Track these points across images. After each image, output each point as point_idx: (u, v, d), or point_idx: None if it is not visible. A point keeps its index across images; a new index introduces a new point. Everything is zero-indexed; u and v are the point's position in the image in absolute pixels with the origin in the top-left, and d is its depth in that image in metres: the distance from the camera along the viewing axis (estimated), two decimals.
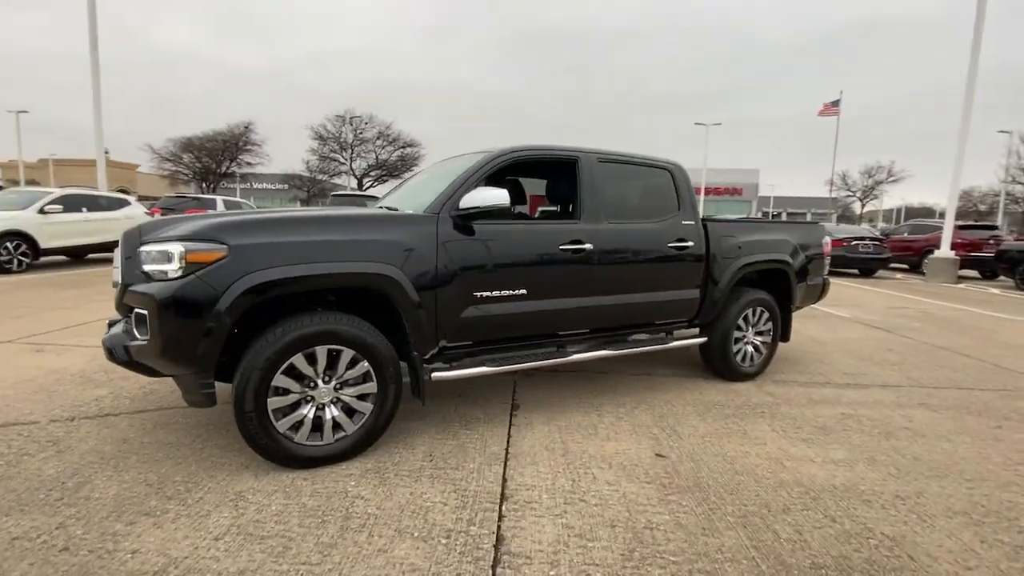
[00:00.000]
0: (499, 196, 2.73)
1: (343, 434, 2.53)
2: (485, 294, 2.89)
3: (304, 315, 2.39)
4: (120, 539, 1.92)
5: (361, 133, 36.83)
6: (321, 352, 2.41)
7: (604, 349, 3.46)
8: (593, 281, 3.31)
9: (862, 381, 4.30)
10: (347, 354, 2.47)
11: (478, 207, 2.75)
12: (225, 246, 2.23)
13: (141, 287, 2.28)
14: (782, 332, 4.40)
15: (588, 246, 3.21)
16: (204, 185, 33.33)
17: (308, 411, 2.44)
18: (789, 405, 3.66)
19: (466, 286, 2.82)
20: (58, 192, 10.33)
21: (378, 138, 37.40)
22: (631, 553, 1.97)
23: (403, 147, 38.26)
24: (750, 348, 4.23)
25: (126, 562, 1.80)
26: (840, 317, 7.47)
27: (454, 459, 2.66)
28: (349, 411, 2.55)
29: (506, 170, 3.20)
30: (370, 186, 38.02)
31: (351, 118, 35.65)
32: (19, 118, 36.24)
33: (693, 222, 3.74)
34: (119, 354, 2.35)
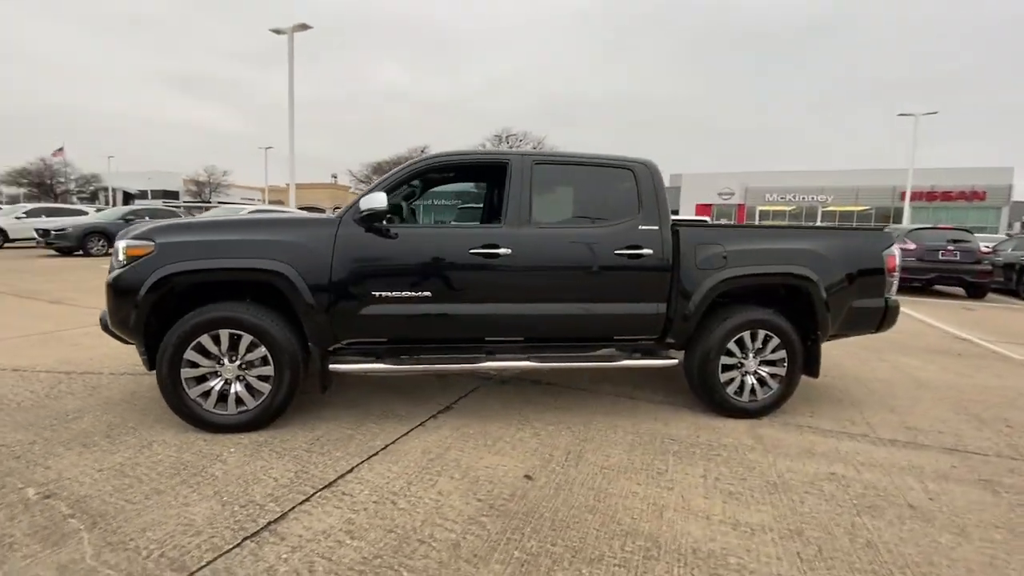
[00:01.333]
0: (378, 200, 2.88)
1: (244, 408, 2.93)
2: (385, 294, 3.02)
3: (214, 303, 2.86)
4: (51, 459, 2.59)
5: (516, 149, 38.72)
6: (224, 335, 2.86)
7: (537, 361, 3.27)
8: (516, 288, 3.18)
9: (924, 440, 3.19)
10: (246, 339, 2.88)
11: (370, 209, 2.92)
12: (153, 243, 2.83)
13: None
14: (806, 364, 3.51)
15: (505, 251, 3.09)
16: None
17: (216, 384, 2.92)
18: (766, 453, 2.95)
19: (364, 285, 3.01)
20: (248, 208, 13.60)
21: None
22: (373, 559, 1.92)
23: None
24: (751, 380, 3.47)
25: (38, 472, 2.44)
26: (998, 354, 5.55)
27: (332, 447, 2.85)
28: (251, 389, 2.95)
29: (428, 176, 3.29)
30: None
31: (507, 136, 38.17)
32: (267, 153, 47.58)
33: (655, 227, 3.28)
34: (103, 324, 3.13)
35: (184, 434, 2.91)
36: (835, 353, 4.99)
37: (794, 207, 40.49)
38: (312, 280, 2.92)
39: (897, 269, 3.68)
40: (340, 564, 1.88)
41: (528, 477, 2.59)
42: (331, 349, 3.11)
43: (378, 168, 38.73)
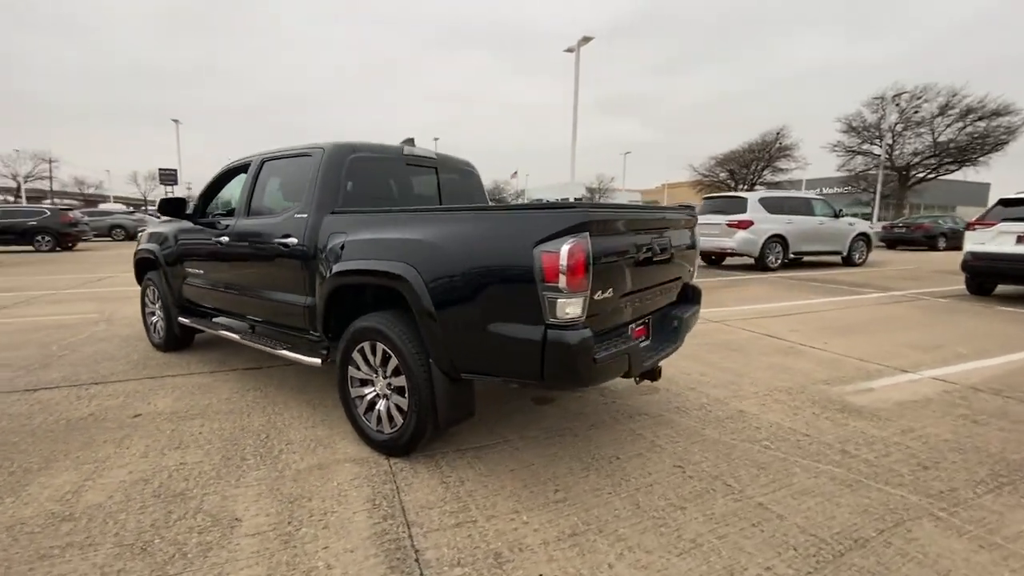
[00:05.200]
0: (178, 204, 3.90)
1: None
2: (189, 271, 4.08)
3: None
4: (136, 400, 4.91)
5: (915, 112, 28.00)
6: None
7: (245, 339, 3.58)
8: (229, 273, 3.61)
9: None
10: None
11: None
12: None
13: None
14: (434, 404, 2.32)
15: (224, 239, 3.58)
16: (738, 188, 35.29)
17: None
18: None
19: (181, 266, 4.15)
20: None
21: (939, 114, 27.19)
22: None
23: (983, 119, 26.07)
24: (383, 405, 2.61)
25: (86, 404, 4.55)
26: None
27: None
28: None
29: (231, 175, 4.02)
30: (925, 177, 27.94)
31: (896, 96, 27.46)
32: (626, 158, 51.43)
33: (305, 214, 2.97)
34: None
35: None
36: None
37: None
38: (166, 259, 4.36)
39: (564, 272, 1.92)
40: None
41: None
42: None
43: (725, 159, 35.83)
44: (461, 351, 2.22)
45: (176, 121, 35.30)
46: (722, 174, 36.13)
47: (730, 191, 37.30)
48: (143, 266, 4.60)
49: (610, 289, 2.13)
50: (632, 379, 2.68)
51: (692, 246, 3.09)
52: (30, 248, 16.48)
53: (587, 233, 1.96)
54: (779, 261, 11.53)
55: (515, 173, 70.62)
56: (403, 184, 3.45)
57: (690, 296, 3.23)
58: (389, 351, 2.46)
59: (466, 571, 1.78)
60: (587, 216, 1.97)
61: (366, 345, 2.58)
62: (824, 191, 46.12)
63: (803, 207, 12.12)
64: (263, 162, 3.49)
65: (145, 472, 2.44)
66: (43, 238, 15.96)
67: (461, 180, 3.87)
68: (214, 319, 4.04)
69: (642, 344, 2.66)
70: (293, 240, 3.00)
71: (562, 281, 1.91)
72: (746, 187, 35.09)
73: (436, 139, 48.33)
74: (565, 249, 1.90)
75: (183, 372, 3.97)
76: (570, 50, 18.88)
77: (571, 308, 1.95)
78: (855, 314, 6.49)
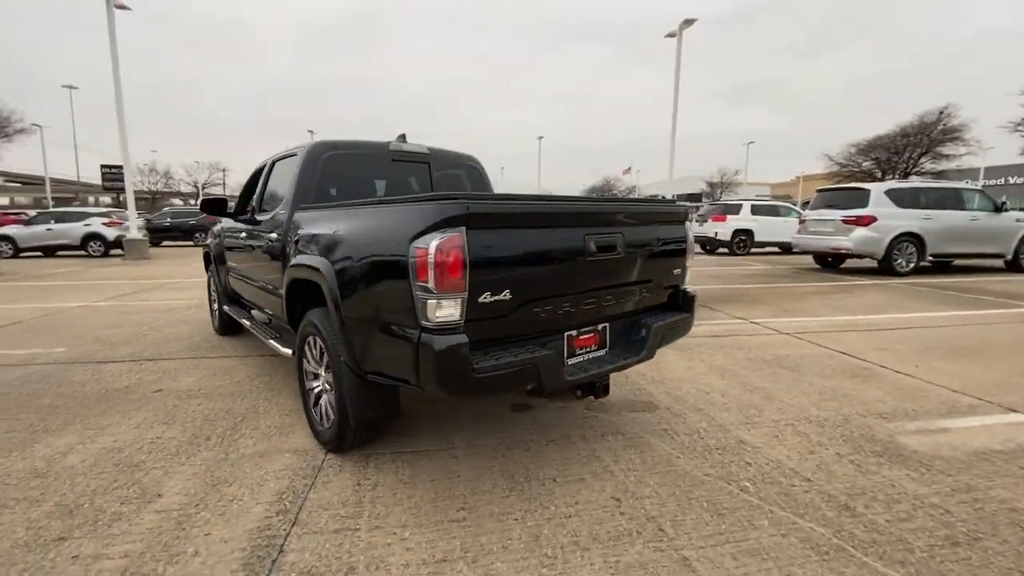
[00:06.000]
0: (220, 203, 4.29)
1: None
2: (230, 264, 4.49)
3: None
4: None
5: None
6: None
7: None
8: (246, 266, 3.90)
9: None
10: None
11: None
12: None
13: None
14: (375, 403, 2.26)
15: (242, 235, 3.87)
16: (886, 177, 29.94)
17: None
18: None
19: (225, 259, 4.59)
20: None
21: None
22: None
23: None
24: (324, 399, 2.60)
25: (129, 378, 5.49)
26: None
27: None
28: None
29: None
30: None
31: None
32: (748, 149, 46.60)
33: (285, 211, 3.07)
34: None
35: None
36: None
37: None
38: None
39: (432, 270, 1.68)
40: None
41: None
42: None
43: (869, 146, 30.49)
44: (360, 349, 2.15)
45: (311, 132, 39.97)
46: (865, 163, 31.03)
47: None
48: (207, 260, 5.21)
49: (506, 291, 1.89)
50: (575, 395, 2.39)
51: (674, 244, 2.65)
52: (191, 243, 19.87)
53: (463, 228, 1.76)
54: (912, 265, 9.63)
55: (628, 169, 68.33)
56: (389, 180, 3.45)
57: (679, 303, 2.79)
58: (323, 346, 2.47)
59: None
60: (465, 208, 1.76)
61: (311, 339, 2.62)
62: (1011, 181, 37.79)
63: (950, 200, 9.97)
64: (273, 163, 3.72)
65: (124, 442, 2.73)
66: (200, 235, 19.10)
67: (459, 174, 3.78)
68: (241, 309, 4.44)
69: (589, 355, 2.35)
70: (274, 235, 3.16)
71: (431, 280, 1.73)
72: (896, 178, 29.82)
73: (540, 138, 48.54)
74: (433, 245, 1.72)
75: (221, 355, 4.41)
76: (672, 35, 17.62)
77: (443, 311, 1.77)
78: (984, 333, 5.15)
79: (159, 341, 4.86)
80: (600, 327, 2.40)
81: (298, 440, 2.76)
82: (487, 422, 2.99)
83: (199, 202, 4.33)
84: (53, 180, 43.28)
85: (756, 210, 15.23)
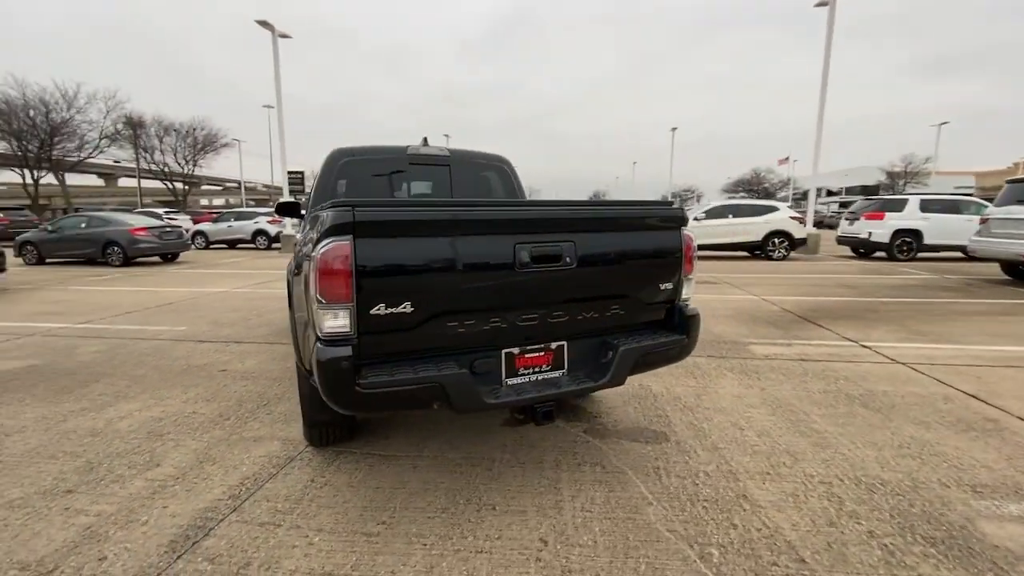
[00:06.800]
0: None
1: None
2: None
3: None
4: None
5: None
6: None
7: None
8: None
9: None
10: None
11: None
12: None
13: None
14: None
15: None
16: None
17: None
18: None
19: None
20: (708, 206, 13.89)
21: None
22: None
23: None
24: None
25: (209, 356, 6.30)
26: None
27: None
28: None
29: None
30: None
31: None
32: (940, 131, 37.66)
33: None
34: None
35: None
36: None
37: None
38: None
39: (316, 280, 1.60)
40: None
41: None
42: None
43: None
44: (300, 351, 2.21)
45: (446, 136, 42.91)
46: None
47: None
48: None
49: (405, 304, 1.78)
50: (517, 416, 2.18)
51: (662, 253, 2.26)
52: None
53: (351, 236, 1.69)
54: None
55: (785, 158, 61.11)
56: (407, 184, 3.51)
57: (675, 322, 2.38)
58: None
59: (211, 568, 1.79)
60: (351, 216, 1.69)
61: None
62: None
63: None
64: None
65: (168, 414, 3.19)
66: None
67: (487, 176, 3.70)
68: None
69: (539, 375, 2.12)
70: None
71: (319, 290, 1.71)
72: None
73: (673, 129, 45.57)
74: (318, 254, 1.69)
75: (288, 342, 4.93)
76: (823, 3, 15.13)
77: (332, 321, 1.73)
78: None
79: (255, 326, 5.61)
80: (555, 345, 2.15)
81: (295, 430, 2.94)
82: (471, 433, 2.89)
83: (275, 205, 4.88)
84: (246, 185, 52.80)
85: (927, 206, 12.44)
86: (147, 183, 47.05)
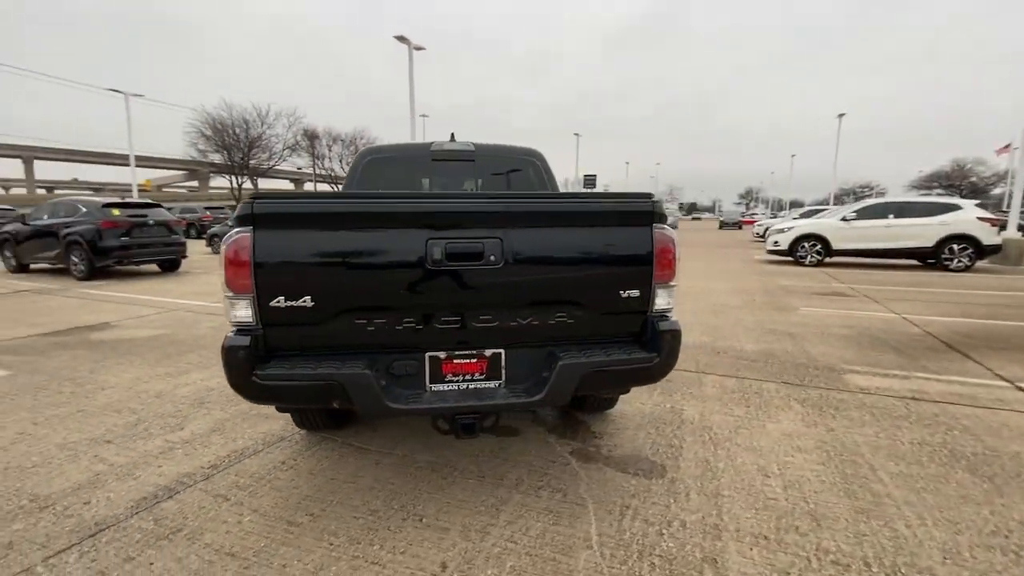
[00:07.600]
0: None
1: None
2: None
3: None
4: None
5: None
6: None
7: None
8: None
9: None
10: None
11: None
12: None
13: None
14: None
15: None
16: None
17: None
18: None
19: None
20: (858, 204, 11.47)
21: None
22: None
23: None
24: None
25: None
26: None
27: None
28: None
29: None
30: None
31: None
32: None
33: None
34: None
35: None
36: None
37: None
38: None
39: (223, 270, 1.60)
40: None
41: None
42: None
43: None
44: None
45: (577, 135, 42.67)
46: None
47: None
48: None
49: (305, 297, 1.75)
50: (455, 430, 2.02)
51: (625, 254, 1.90)
52: None
53: (251, 227, 1.72)
54: None
55: (1006, 146, 49.15)
56: (432, 180, 3.52)
57: (647, 336, 1.99)
58: None
59: (152, 527, 1.98)
60: (250, 208, 1.71)
61: None
62: None
63: None
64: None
65: (220, 384, 3.63)
66: None
67: (517, 170, 3.56)
68: None
69: (470, 383, 1.95)
70: None
71: (224, 279, 1.77)
72: None
73: (841, 115, 39.17)
74: (224, 245, 1.75)
75: None
76: None
77: (237, 311, 1.78)
78: None
79: None
80: (489, 353, 1.95)
81: None
82: (449, 437, 2.78)
83: None
84: None
85: None
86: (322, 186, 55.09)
